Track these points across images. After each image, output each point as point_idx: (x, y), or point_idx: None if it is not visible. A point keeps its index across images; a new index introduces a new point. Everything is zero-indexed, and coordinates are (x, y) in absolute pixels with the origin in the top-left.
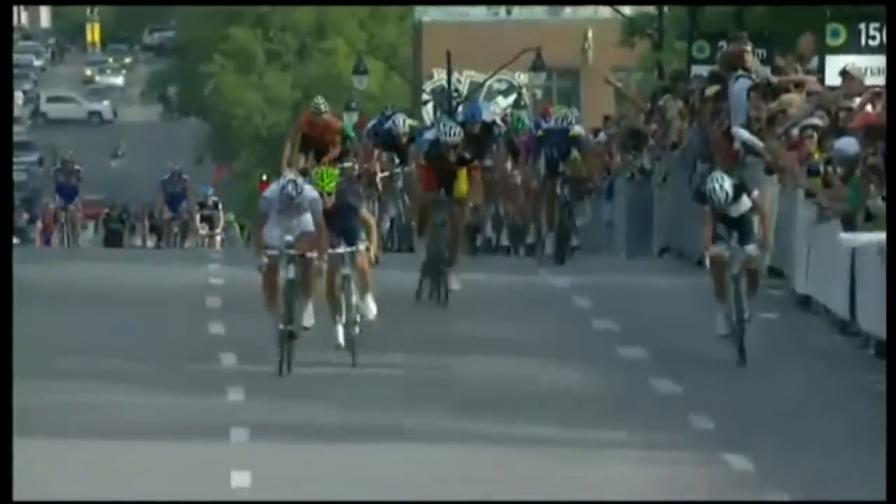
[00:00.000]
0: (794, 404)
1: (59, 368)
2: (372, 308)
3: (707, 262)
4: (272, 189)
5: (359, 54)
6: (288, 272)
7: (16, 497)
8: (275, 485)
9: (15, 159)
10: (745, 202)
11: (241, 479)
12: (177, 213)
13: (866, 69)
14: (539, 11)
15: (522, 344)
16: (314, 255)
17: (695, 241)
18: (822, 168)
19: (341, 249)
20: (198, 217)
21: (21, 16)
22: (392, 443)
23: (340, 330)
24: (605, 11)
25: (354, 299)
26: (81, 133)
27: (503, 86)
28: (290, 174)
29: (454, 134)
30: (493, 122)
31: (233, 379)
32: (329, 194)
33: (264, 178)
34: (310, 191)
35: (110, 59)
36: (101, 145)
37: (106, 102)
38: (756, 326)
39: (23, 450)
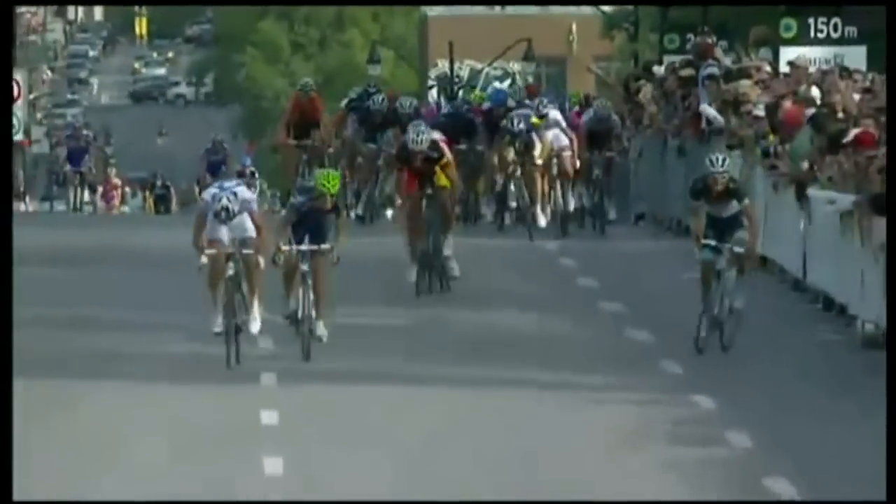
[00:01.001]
0: (751, 352)
1: (109, 319)
2: (321, 328)
3: (698, 260)
4: (211, 192)
5: (373, 45)
6: (230, 269)
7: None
8: (299, 422)
9: (79, 128)
10: (734, 206)
11: (270, 418)
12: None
13: (815, 59)
14: (530, 7)
15: (514, 298)
16: (251, 251)
17: (666, 209)
18: (772, 149)
19: (304, 247)
20: None
21: (78, 10)
22: (395, 385)
23: (296, 329)
24: (587, 8)
25: (306, 301)
26: (131, 115)
27: (499, 72)
28: (230, 183)
29: (420, 141)
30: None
31: (263, 328)
32: (332, 196)
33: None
34: (243, 192)
35: (154, 54)
36: (148, 125)
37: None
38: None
39: (92, 391)
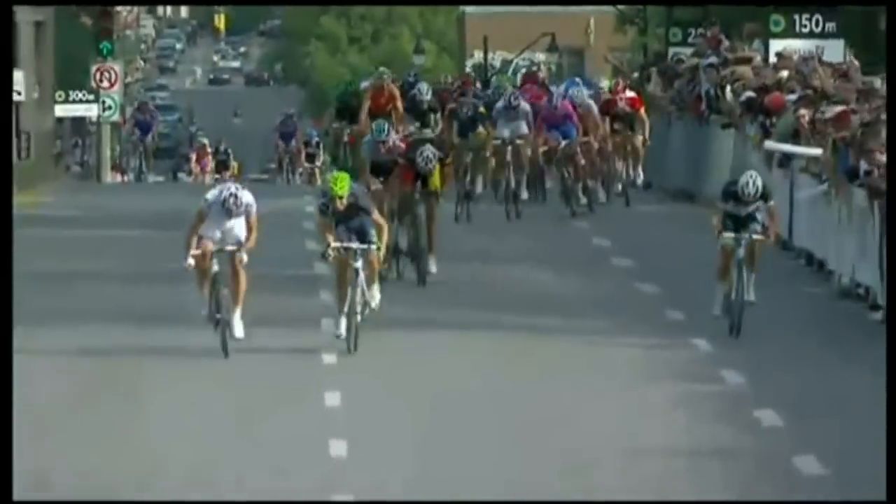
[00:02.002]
0: (756, 308)
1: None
2: (376, 297)
3: (718, 246)
4: (214, 193)
5: (418, 38)
6: (215, 266)
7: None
8: (354, 360)
9: (160, 119)
10: (760, 205)
11: (330, 359)
12: (288, 148)
13: (799, 50)
14: (554, 6)
15: (533, 256)
16: (234, 248)
17: (669, 179)
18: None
19: (354, 245)
20: (303, 154)
21: (167, 9)
22: (431, 331)
23: (343, 321)
24: (603, 6)
25: (360, 292)
26: (210, 98)
27: (526, 62)
28: (231, 186)
29: (428, 167)
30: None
31: (324, 282)
32: (341, 198)
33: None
34: (246, 195)
35: (230, 49)
36: (225, 107)
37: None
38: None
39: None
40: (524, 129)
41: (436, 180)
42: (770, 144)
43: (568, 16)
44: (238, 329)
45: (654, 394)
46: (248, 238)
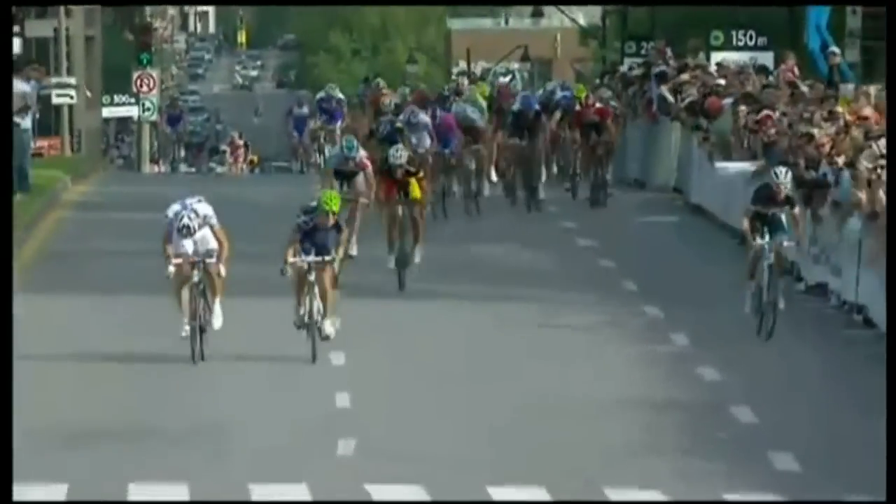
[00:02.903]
0: (688, 273)
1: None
2: (329, 327)
3: (750, 251)
4: (175, 208)
5: (410, 50)
6: (195, 276)
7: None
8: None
9: (190, 118)
10: (785, 210)
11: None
12: (301, 140)
13: (735, 62)
14: (526, 22)
15: (512, 237)
16: (212, 260)
17: (626, 171)
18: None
19: (310, 259)
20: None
21: (197, 24)
22: (430, 300)
23: (307, 334)
24: (567, 22)
25: (317, 304)
26: (235, 101)
27: (503, 70)
28: (191, 200)
29: (399, 157)
30: (539, 112)
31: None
32: (333, 214)
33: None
34: (202, 207)
35: (249, 60)
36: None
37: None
38: (665, 229)
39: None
40: (427, 140)
41: (416, 191)
42: (721, 165)
43: (538, 31)
44: (217, 319)
45: (611, 352)
46: (220, 249)
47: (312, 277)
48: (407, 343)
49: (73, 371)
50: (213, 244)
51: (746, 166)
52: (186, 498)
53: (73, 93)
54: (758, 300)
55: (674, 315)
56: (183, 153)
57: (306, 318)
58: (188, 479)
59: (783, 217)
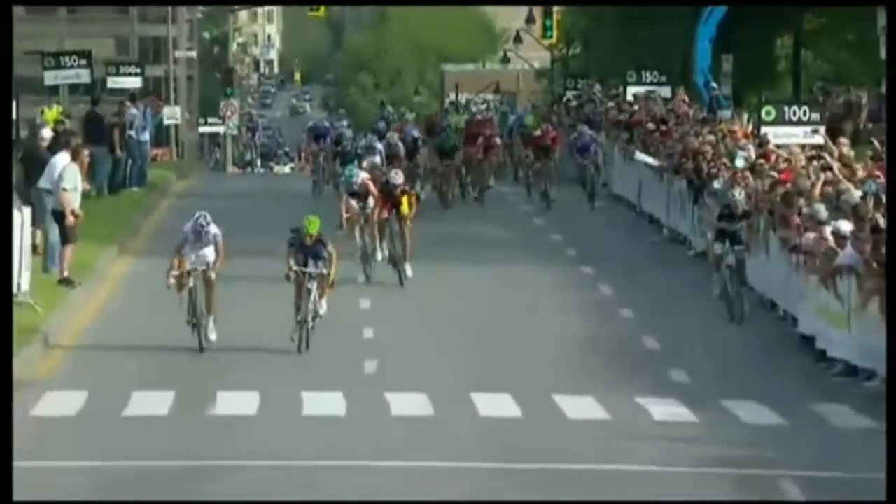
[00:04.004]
0: (614, 241)
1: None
2: (324, 306)
3: (710, 255)
4: (189, 225)
5: (416, 86)
6: (191, 282)
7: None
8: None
9: (264, 130)
10: (737, 224)
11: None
12: (321, 146)
13: (643, 93)
14: (498, 66)
15: (486, 220)
16: (205, 268)
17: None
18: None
19: (309, 269)
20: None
21: (265, 68)
22: (430, 264)
23: (295, 326)
24: (527, 66)
25: (312, 305)
26: (292, 122)
27: (480, 100)
28: (202, 219)
29: (397, 177)
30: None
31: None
32: (311, 235)
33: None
34: (213, 227)
35: (302, 93)
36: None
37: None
38: (596, 213)
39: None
40: (377, 160)
41: (405, 207)
42: (638, 155)
43: (506, 71)
44: (212, 334)
45: (558, 299)
46: (216, 261)
47: (310, 285)
48: (414, 294)
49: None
50: (212, 258)
51: (652, 162)
52: (258, 402)
53: (178, 116)
54: (724, 291)
55: (602, 273)
56: (259, 159)
57: (300, 318)
58: (258, 389)
59: (739, 227)
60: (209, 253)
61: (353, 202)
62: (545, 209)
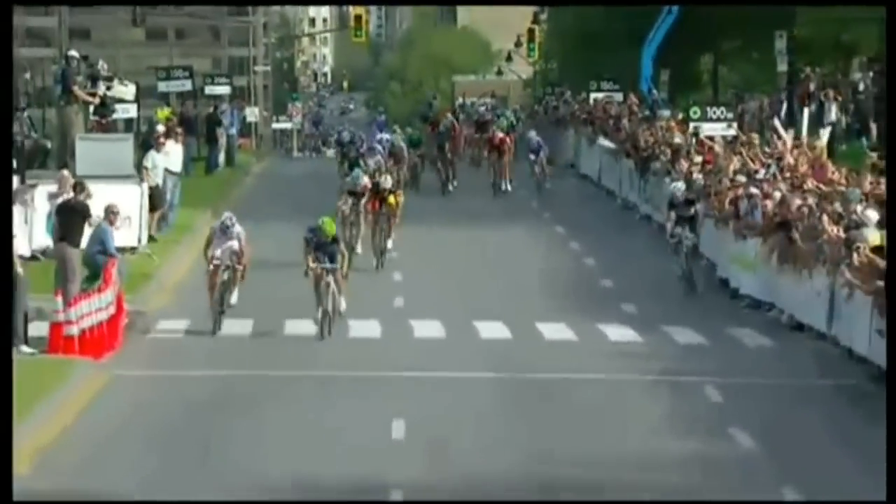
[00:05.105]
0: (581, 208)
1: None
2: (343, 303)
3: (671, 241)
4: (217, 223)
5: (434, 92)
6: (222, 275)
7: None
8: (405, 243)
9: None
10: (691, 209)
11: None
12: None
13: (605, 97)
14: (494, 77)
15: (479, 195)
16: (240, 266)
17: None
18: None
19: (328, 266)
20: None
21: (321, 78)
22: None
23: (319, 314)
24: (515, 77)
25: (332, 298)
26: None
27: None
28: (228, 219)
29: (385, 181)
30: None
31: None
32: (326, 235)
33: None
34: (238, 227)
35: (349, 97)
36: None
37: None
38: (567, 187)
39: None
40: (379, 158)
41: (392, 204)
42: (599, 143)
43: (501, 81)
44: (234, 298)
45: (538, 252)
46: (241, 256)
47: (328, 279)
48: (429, 250)
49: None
50: (236, 249)
51: (610, 146)
52: (312, 332)
53: (257, 115)
54: (683, 270)
55: (572, 232)
56: (322, 146)
57: (321, 311)
58: (311, 316)
59: (692, 213)
60: (233, 246)
61: (350, 200)
62: (527, 185)
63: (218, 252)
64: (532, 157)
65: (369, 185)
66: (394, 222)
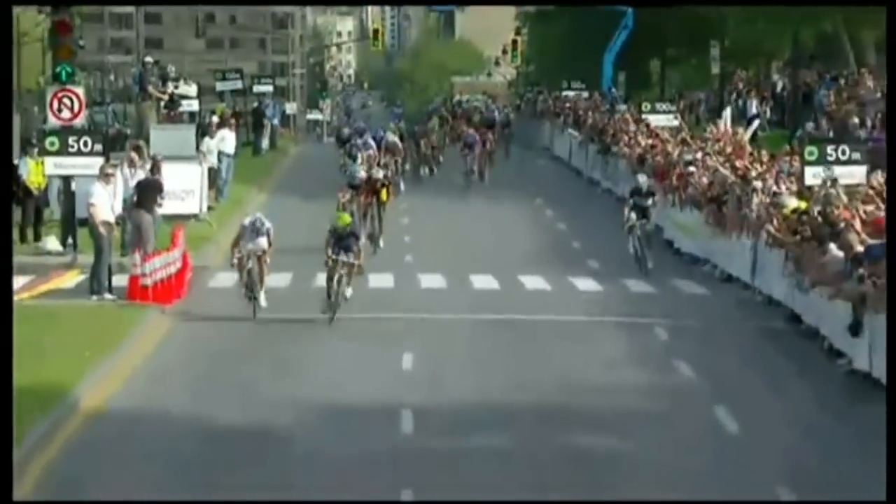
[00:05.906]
0: (556, 183)
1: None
2: (349, 291)
3: (626, 226)
4: (248, 219)
5: (437, 90)
6: (249, 264)
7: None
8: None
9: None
10: (648, 200)
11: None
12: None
13: (574, 94)
14: (486, 78)
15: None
16: (266, 256)
17: (528, 141)
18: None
19: (342, 258)
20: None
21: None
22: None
23: (328, 303)
24: (502, 78)
25: (340, 288)
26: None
27: (475, 99)
28: (258, 215)
29: (377, 173)
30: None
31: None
32: (346, 227)
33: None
34: (267, 222)
35: (369, 93)
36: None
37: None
38: (541, 167)
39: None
40: (372, 153)
41: (383, 195)
42: (569, 131)
43: (491, 81)
44: (263, 301)
45: (524, 225)
46: (268, 249)
47: (342, 272)
48: (434, 219)
49: (302, 212)
50: (265, 246)
51: (576, 135)
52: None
53: (294, 108)
54: (636, 253)
55: (548, 203)
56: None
57: (332, 299)
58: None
59: (649, 204)
60: (262, 241)
61: (349, 192)
62: (511, 167)
63: (248, 245)
64: (466, 150)
65: (365, 178)
66: (384, 212)
